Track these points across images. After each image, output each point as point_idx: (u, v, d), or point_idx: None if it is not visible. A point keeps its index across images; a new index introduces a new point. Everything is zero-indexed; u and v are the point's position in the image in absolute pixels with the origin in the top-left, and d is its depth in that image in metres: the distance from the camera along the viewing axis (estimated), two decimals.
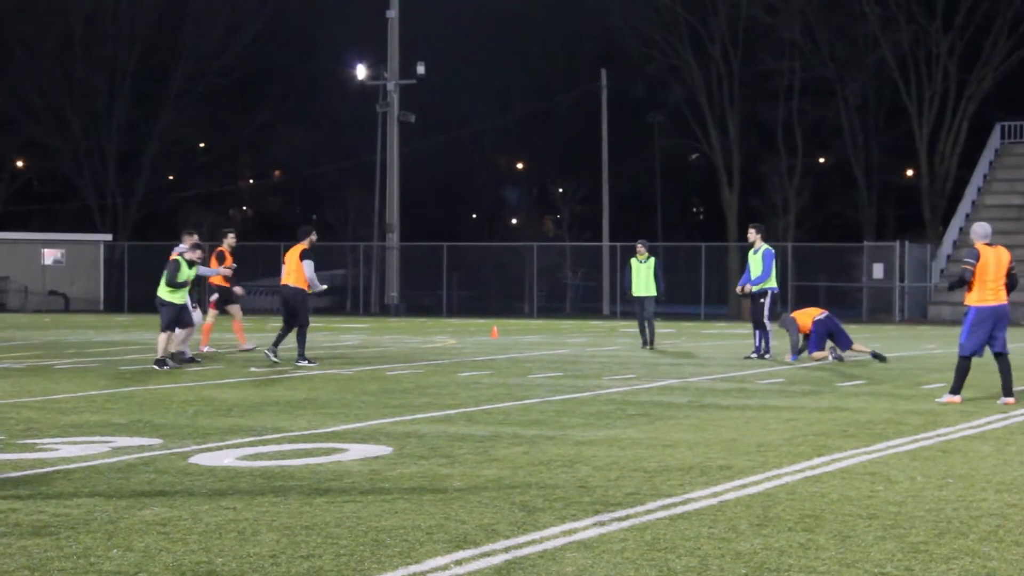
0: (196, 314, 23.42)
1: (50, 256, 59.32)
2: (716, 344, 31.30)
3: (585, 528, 8.53)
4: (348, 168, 73.27)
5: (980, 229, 16.52)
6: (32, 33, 66.73)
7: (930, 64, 59.41)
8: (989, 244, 16.35)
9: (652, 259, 28.16)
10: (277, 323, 25.59)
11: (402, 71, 58.05)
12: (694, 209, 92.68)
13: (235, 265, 25.69)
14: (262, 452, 11.89)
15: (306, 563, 7.57)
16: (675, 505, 9.31)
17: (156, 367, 21.56)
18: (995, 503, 9.52)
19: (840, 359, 23.75)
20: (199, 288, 26.33)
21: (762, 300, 24.64)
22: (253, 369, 21.40)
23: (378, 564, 7.56)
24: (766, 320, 24.60)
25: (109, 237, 62.79)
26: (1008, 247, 17.41)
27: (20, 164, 75.94)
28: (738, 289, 25.62)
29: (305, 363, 22.30)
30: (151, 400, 16.57)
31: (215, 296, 26.11)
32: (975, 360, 16.60)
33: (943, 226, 57.50)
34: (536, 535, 8.30)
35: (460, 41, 75.73)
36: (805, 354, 24.03)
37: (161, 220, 73.63)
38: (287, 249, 23.38)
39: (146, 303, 28.94)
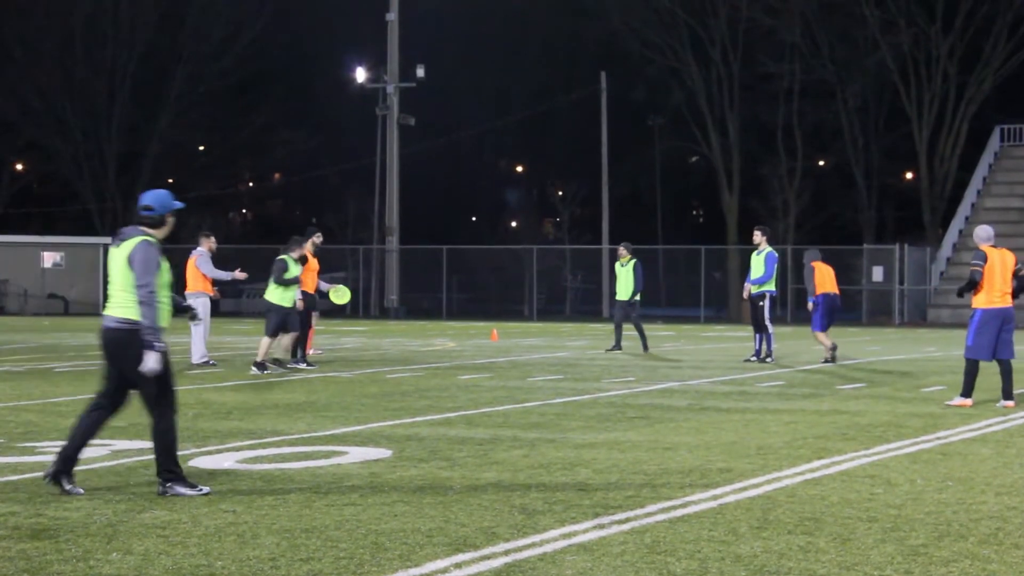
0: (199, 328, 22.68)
1: (49, 259, 59.29)
2: (716, 347, 31.30)
3: (585, 531, 8.52)
4: (348, 171, 73.30)
5: (983, 232, 16.50)
6: (32, 34, 66.72)
7: (930, 66, 59.40)
8: (993, 246, 16.35)
9: (633, 261, 27.85)
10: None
11: (402, 74, 58.05)
12: (694, 211, 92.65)
13: (245, 275, 23.58)
14: (262, 455, 11.88)
15: (306, 566, 7.56)
16: (675, 508, 9.31)
17: (255, 370, 21.13)
18: (995, 506, 9.52)
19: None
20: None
21: (762, 303, 24.62)
22: (253, 372, 21.37)
23: (378, 567, 7.55)
24: (767, 322, 24.58)
25: (109, 240, 62.71)
26: (1008, 250, 17.40)
27: (20, 167, 75.95)
28: (744, 294, 25.52)
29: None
30: None
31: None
32: None
33: (943, 228, 57.49)
34: (536, 538, 8.30)
35: (460, 44, 75.76)
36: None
37: None
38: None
39: None
